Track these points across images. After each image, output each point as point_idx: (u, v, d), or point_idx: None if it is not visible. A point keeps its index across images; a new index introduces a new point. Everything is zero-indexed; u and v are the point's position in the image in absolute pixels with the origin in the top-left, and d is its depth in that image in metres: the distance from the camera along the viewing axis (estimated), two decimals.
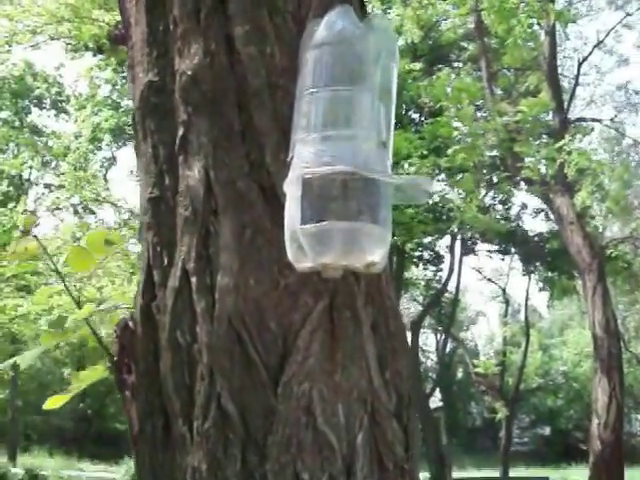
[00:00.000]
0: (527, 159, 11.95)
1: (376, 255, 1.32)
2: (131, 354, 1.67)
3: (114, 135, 22.19)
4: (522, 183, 14.02)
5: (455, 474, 26.52)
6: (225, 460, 1.43)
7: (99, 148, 23.13)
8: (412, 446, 1.52)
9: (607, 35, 16.20)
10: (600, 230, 17.94)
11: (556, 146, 11.26)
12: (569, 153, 11.13)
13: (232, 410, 1.42)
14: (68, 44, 15.90)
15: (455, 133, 10.97)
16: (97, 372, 1.79)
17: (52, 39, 13.95)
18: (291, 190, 1.33)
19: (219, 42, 1.55)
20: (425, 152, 11.80)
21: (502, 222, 19.56)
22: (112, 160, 25.91)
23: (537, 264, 24.29)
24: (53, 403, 1.81)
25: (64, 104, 27.42)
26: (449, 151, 10.82)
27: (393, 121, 1.42)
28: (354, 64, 1.37)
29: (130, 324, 1.70)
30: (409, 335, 23.03)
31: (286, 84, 1.52)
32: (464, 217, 11.85)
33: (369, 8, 13.23)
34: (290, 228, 1.33)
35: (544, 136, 14.36)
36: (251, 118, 1.51)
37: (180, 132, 1.55)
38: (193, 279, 1.49)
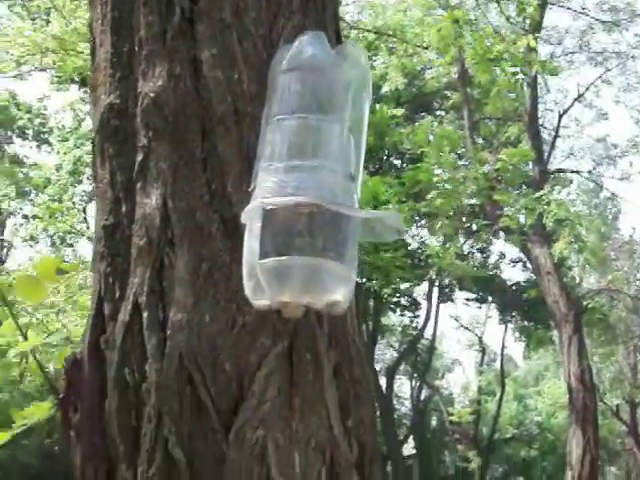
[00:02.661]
0: (506, 208, 11.97)
1: (339, 294, 1.23)
2: (77, 391, 1.56)
3: None
4: (501, 232, 14.04)
5: None
6: None
7: (80, 181, 22.91)
8: None
9: (587, 89, 16.35)
10: (577, 281, 17.97)
11: (535, 196, 11.29)
12: (548, 204, 11.16)
13: (179, 456, 1.32)
14: (53, 76, 15.87)
15: (435, 179, 10.96)
16: (42, 410, 1.67)
17: (37, 70, 13.89)
18: (250, 221, 1.24)
19: (185, 65, 1.47)
20: (404, 199, 11.76)
21: (480, 270, 19.51)
22: (92, 194, 25.65)
23: (514, 313, 24.25)
24: None
25: (47, 136, 27.30)
26: (428, 196, 10.80)
27: (363, 153, 1.34)
28: (324, 92, 1.29)
29: (79, 358, 1.60)
30: (384, 381, 22.81)
31: (254, 111, 1.44)
32: (442, 263, 11.78)
33: None
34: (248, 263, 1.24)
35: (524, 186, 14.42)
36: (215, 146, 1.42)
37: (139, 157, 1.46)
38: (145, 313, 1.39)
